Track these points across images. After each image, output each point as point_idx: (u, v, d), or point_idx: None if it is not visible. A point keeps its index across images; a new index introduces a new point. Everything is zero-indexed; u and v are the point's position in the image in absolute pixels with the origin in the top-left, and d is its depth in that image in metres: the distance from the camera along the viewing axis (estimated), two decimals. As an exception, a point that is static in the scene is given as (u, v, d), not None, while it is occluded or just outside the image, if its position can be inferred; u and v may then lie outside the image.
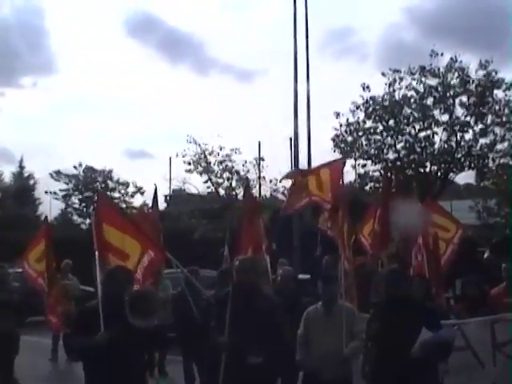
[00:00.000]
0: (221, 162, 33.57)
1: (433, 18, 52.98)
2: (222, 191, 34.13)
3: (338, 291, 7.41)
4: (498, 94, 29.44)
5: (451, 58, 29.61)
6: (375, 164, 31.40)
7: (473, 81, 29.46)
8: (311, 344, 6.78)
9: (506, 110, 29.13)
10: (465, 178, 31.66)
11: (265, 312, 6.13)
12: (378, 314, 6.57)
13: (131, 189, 53.24)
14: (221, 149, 33.40)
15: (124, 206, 47.91)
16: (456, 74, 29.67)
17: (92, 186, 51.23)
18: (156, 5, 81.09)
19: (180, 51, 75.76)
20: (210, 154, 33.45)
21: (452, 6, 51.13)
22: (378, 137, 31.12)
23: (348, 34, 68.51)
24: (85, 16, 75.36)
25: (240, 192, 32.68)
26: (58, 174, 52.78)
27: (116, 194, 52.05)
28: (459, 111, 30.12)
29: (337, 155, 31.54)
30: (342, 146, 31.13)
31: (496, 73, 29.11)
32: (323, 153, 37.69)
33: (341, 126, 31.15)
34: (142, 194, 52.37)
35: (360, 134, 31.10)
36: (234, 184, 33.74)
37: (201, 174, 33.76)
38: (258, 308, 6.16)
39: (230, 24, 72.15)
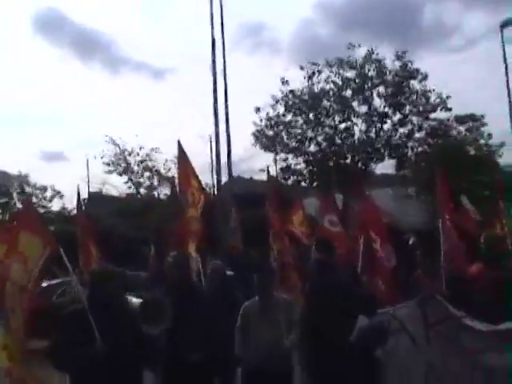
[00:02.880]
0: (141, 162, 33.06)
1: (345, 13, 53.76)
2: (143, 191, 33.55)
3: (274, 282, 7.13)
4: (415, 84, 30.11)
5: (368, 50, 30.07)
6: (297, 157, 31.42)
7: (390, 71, 29.96)
8: (250, 337, 6.50)
9: (423, 100, 29.67)
10: (385, 167, 32.11)
11: (199, 308, 5.95)
12: (309, 304, 6.43)
13: (49, 193, 51.44)
14: (140, 148, 32.91)
15: (42, 211, 46.27)
16: (373, 66, 30.11)
17: (8, 192, 49.24)
18: (66, 3, 78.70)
19: (92, 50, 73.84)
20: (129, 155, 32.93)
21: (362, 1, 51.90)
22: (299, 130, 31.16)
23: (262, 30, 68.71)
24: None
25: (161, 191, 32.22)
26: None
27: (34, 199, 50.20)
28: (377, 102, 30.67)
29: (258, 150, 31.57)
30: (263, 140, 30.96)
31: (412, 63, 29.77)
32: (244, 149, 37.47)
33: (261, 120, 31.06)
34: (61, 197, 50.70)
35: (280, 127, 31.06)
36: (155, 183, 33.25)
37: (121, 174, 33.12)
38: (193, 304, 5.96)
39: (144, 22, 70.86)
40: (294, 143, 31.21)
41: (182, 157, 10.27)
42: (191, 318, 5.83)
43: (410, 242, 13.32)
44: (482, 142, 30.11)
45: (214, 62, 25.03)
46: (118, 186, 33.76)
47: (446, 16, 48.75)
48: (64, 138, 73.69)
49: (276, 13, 67.40)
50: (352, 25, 53.17)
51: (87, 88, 68.87)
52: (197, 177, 10.12)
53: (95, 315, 4.97)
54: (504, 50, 30.22)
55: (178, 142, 10.43)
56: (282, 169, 31.37)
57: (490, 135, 29.87)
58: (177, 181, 10.59)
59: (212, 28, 25.52)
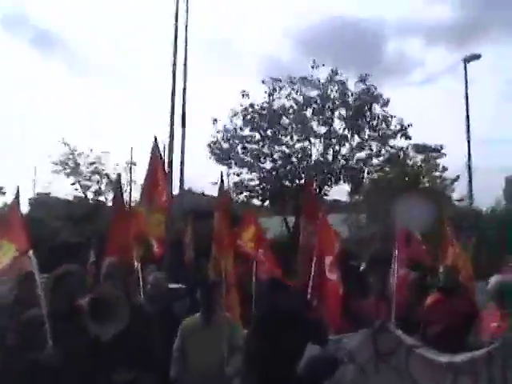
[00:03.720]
0: (91, 164, 32.14)
1: (310, 39, 53.58)
2: (90, 195, 32.60)
3: (219, 298, 6.60)
4: (376, 109, 29.96)
5: (332, 70, 29.89)
6: (251, 173, 30.92)
7: (352, 94, 29.78)
8: (188, 358, 5.92)
9: (384, 125, 29.60)
10: (340, 191, 31.93)
11: (133, 324, 5.28)
12: (256, 327, 5.99)
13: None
14: (91, 150, 32.02)
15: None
16: (336, 87, 29.88)
17: None
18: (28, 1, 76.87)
19: (51, 49, 72.32)
20: (79, 155, 31.98)
21: (327, 29, 51.86)
22: (255, 146, 30.68)
23: (228, 46, 68.12)
24: None
25: (109, 196, 31.37)
26: None
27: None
28: (337, 124, 30.40)
29: (212, 162, 31.00)
30: (218, 152, 30.42)
31: (375, 88, 29.74)
32: (200, 159, 36.84)
33: (218, 132, 30.47)
34: (4, 194, 49.12)
35: (236, 141, 30.56)
36: (103, 188, 32.34)
37: (68, 175, 32.10)
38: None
39: (107, 26, 69.74)
40: (249, 158, 30.72)
41: (155, 155, 9.70)
42: (121, 333, 5.21)
43: (361, 269, 13.03)
44: (437, 174, 30.21)
45: (174, 73, 24.52)
46: (63, 188, 32.66)
47: (408, 50, 49.36)
48: (13, 135, 71.50)
49: (241, 31, 67.17)
50: (316, 51, 53.24)
51: (44, 87, 67.32)
52: (165, 179, 9.62)
53: (52, 320, 4.83)
54: (466, 84, 30.54)
55: (155, 137, 9.87)
56: (235, 183, 30.86)
57: (444, 168, 29.98)
58: (144, 181, 10.07)
59: (175, 39, 25.11)
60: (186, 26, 22.13)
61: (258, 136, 30.69)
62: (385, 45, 49.37)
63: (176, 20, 20.88)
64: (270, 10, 62.03)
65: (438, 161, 30.01)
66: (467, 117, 29.31)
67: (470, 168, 28.51)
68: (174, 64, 24.40)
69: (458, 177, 29.11)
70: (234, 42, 66.19)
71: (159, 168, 9.69)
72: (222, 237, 8.25)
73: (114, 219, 9.70)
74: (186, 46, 21.56)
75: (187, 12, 22.15)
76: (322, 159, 30.27)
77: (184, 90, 20.31)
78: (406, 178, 28.83)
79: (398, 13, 54.23)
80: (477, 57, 30.69)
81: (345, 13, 49.02)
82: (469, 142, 28.60)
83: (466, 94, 29.74)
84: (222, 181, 9.96)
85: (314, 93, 30.06)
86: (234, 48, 65.91)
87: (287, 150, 30.51)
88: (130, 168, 32.08)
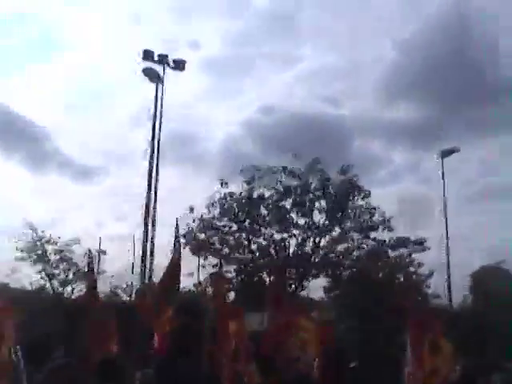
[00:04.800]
0: (59, 251, 30.56)
1: (274, 134, 52.80)
2: (55, 283, 30.77)
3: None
4: (358, 200, 29.33)
5: (313, 159, 29.19)
6: (228, 264, 29.55)
7: (332, 185, 29.17)
8: None
9: (365, 217, 28.82)
10: (317, 284, 30.74)
11: None
12: None
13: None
14: (59, 238, 30.55)
15: None
16: (317, 176, 29.30)
17: None
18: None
19: (17, 141, 70.59)
20: (47, 242, 30.41)
21: (292, 126, 51.32)
22: (232, 237, 29.60)
23: (192, 142, 67.07)
24: None
25: (76, 286, 29.83)
26: None
27: None
28: (317, 215, 29.60)
29: (187, 252, 29.68)
30: (193, 242, 29.16)
31: (357, 179, 29.14)
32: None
33: (193, 221, 29.32)
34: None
35: (213, 232, 29.44)
36: (70, 276, 30.63)
37: (35, 262, 30.38)
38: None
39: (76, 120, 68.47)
40: (226, 249, 29.51)
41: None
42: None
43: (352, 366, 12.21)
44: (412, 269, 29.46)
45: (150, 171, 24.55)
46: (28, 275, 30.80)
47: (372, 149, 49.18)
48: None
49: (207, 126, 67.07)
50: (282, 146, 51.93)
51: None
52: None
53: None
54: (444, 178, 30.26)
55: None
56: (210, 275, 29.36)
57: (420, 264, 29.32)
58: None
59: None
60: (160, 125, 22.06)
61: (235, 226, 29.68)
62: (349, 143, 49.01)
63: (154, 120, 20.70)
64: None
65: (419, 255, 29.24)
66: (445, 213, 29.21)
67: (448, 266, 28.17)
68: (151, 160, 24.66)
69: (432, 273, 29.07)
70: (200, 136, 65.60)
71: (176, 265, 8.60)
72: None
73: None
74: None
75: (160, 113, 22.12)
76: (300, 252, 29.27)
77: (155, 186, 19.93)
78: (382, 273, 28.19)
79: (362, 111, 54.42)
80: (451, 152, 30.72)
81: (307, 110, 48.88)
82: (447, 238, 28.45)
83: (444, 189, 29.72)
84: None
85: (294, 182, 29.33)
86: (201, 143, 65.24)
87: (264, 242, 29.56)
88: (99, 256, 30.78)
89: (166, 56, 28.35)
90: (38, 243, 30.21)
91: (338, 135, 48.69)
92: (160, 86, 27.75)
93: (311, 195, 29.22)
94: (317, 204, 29.27)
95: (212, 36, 72.13)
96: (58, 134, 78.23)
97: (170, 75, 28.15)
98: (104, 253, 30.67)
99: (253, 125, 52.94)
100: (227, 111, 60.72)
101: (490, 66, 49.38)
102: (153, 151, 26.74)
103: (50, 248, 30.46)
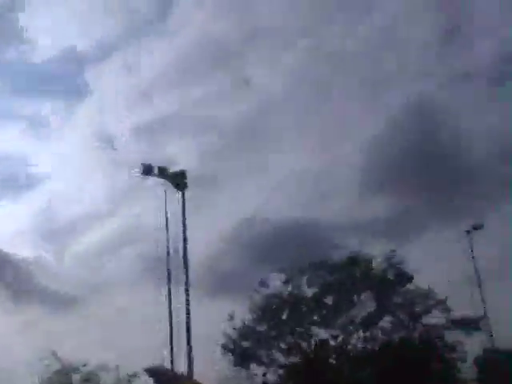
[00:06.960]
0: (85, 380, 28.17)
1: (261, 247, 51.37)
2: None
3: None
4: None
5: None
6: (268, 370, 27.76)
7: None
8: None
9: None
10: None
11: None
12: None
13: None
14: (84, 365, 28.24)
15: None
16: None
17: None
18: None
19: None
20: (73, 371, 28.04)
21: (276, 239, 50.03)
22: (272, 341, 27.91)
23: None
24: None
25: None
26: None
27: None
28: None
29: (223, 364, 27.75)
30: (237, 352, 27.28)
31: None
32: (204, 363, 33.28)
33: (234, 329, 27.57)
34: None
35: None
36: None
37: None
38: None
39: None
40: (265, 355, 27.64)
41: None
42: None
43: None
44: None
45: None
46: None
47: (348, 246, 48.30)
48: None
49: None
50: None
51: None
52: None
53: None
54: (472, 251, 29.30)
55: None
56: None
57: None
58: None
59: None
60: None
61: (273, 333, 27.99)
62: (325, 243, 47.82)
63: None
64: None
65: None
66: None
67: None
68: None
69: None
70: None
71: None
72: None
73: None
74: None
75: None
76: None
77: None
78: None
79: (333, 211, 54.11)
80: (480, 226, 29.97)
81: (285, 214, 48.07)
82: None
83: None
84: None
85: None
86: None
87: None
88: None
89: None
90: (62, 373, 27.93)
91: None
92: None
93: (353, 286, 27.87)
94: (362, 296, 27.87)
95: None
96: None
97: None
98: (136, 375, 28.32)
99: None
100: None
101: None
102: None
103: (75, 377, 28.19)
